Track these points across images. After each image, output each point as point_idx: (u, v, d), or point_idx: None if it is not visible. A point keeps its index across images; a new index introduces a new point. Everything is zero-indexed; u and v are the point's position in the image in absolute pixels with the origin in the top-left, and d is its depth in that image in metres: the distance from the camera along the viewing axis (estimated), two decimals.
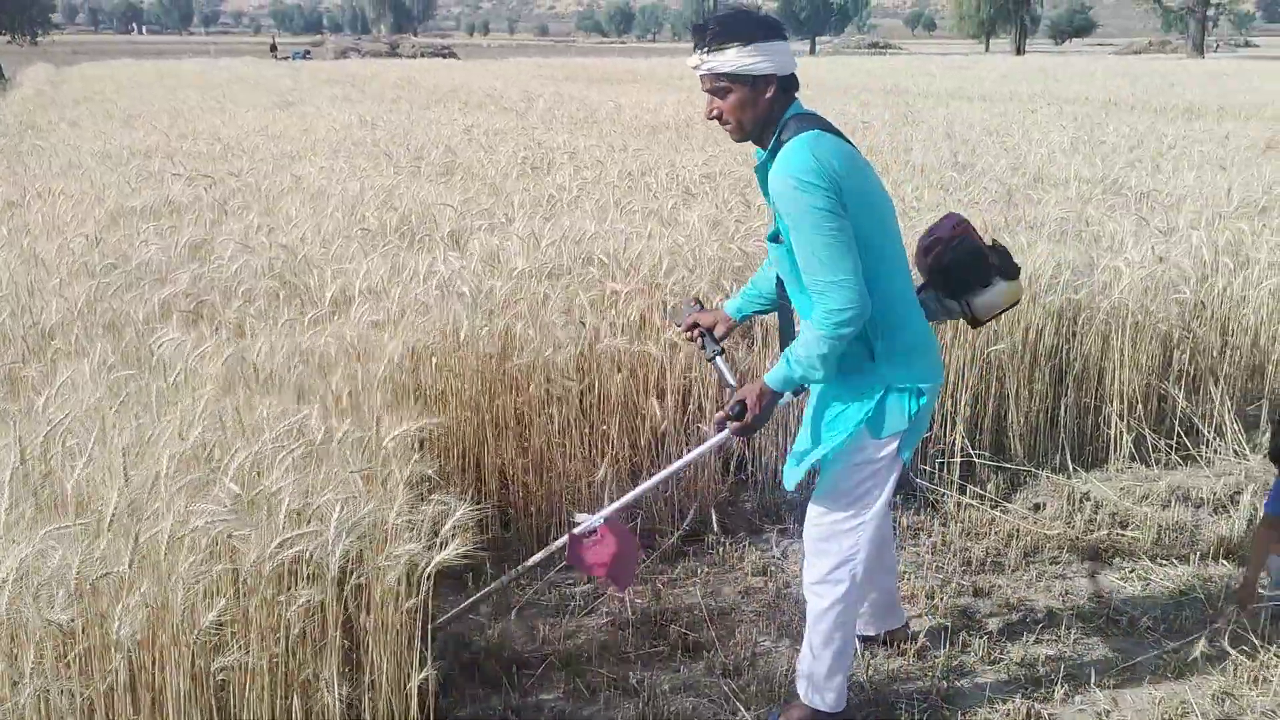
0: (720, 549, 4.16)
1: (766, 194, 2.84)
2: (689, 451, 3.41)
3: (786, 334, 3.13)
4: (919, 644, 3.48)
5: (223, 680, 2.42)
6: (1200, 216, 5.99)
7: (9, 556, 2.06)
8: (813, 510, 3.01)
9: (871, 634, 3.46)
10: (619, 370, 4.18)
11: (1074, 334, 4.95)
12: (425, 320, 4.01)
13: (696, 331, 3.34)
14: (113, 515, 2.18)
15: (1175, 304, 4.91)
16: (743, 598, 3.85)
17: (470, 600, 3.36)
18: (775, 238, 2.87)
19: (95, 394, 3.14)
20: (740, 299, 3.34)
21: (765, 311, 3.36)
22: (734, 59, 2.73)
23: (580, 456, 4.14)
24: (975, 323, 3.21)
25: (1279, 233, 5.75)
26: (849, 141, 2.85)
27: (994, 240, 3.21)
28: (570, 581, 3.93)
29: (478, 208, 6.22)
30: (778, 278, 3.04)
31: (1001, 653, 3.48)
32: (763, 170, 2.85)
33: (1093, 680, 3.31)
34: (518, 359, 4.03)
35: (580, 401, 4.16)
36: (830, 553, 2.95)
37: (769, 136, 2.82)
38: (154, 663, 2.25)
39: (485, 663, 3.44)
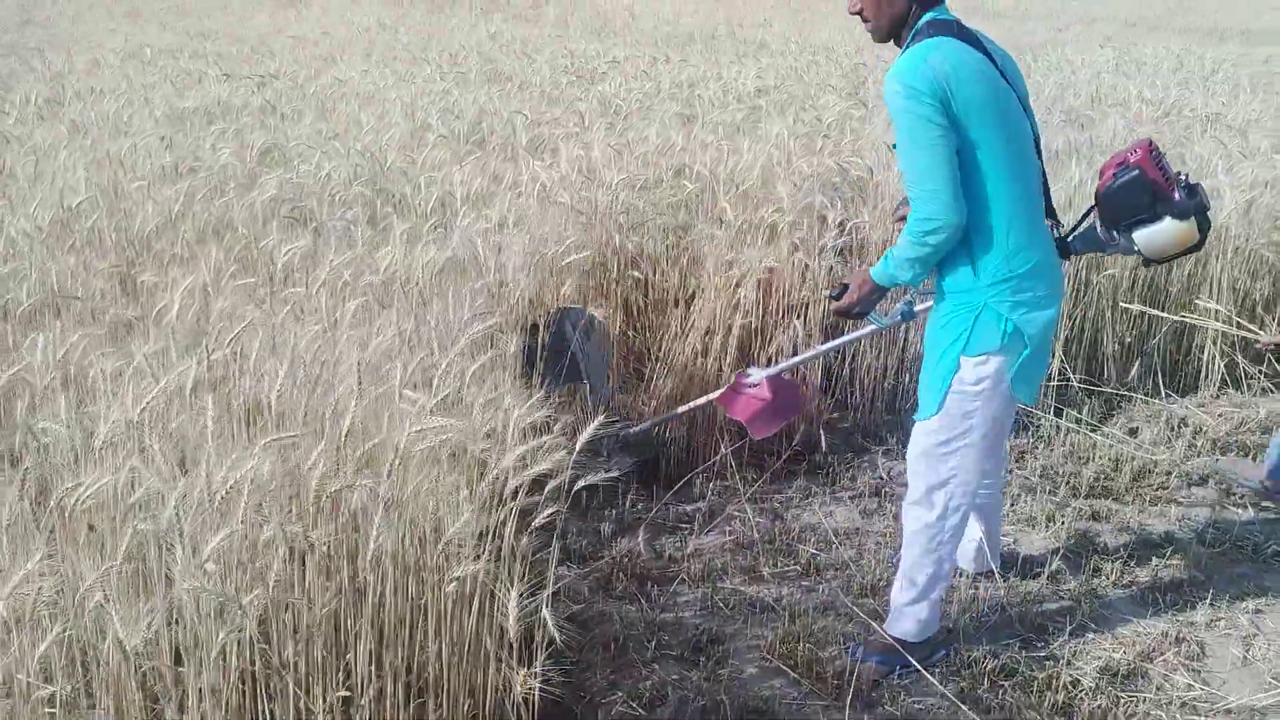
0: (829, 469, 4.12)
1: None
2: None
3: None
4: (1052, 566, 3.47)
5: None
6: None
7: (233, 469, 1.97)
8: (915, 430, 2.96)
9: (971, 570, 3.42)
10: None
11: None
12: (542, 230, 3.89)
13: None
14: (348, 428, 2.09)
15: (1277, 229, 4.84)
16: (863, 518, 3.82)
17: (640, 426, 3.80)
18: (890, 143, 2.91)
19: (225, 301, 3.04)
20: None
21: None
22: None
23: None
24: (1146, 261, 3.08)
25: None
26: (987, 52, 2.74)
27: (1184, 174, 3.04)
28: (685, 502, 3.89)
29: (545, 116, 6.04)
30: None
31: (1133, 577, 3.48)
32: None
33: (1227, 604, 3.32)
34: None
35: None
36: (925, 474, 2.90)
37: (904, 40, 2.77)
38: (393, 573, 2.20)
39: (615, 578, 3.41)
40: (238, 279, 3.30)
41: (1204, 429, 4.49)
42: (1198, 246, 3.00)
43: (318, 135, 5.28)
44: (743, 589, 3.39)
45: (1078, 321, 4.78)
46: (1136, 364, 4.78)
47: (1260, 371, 4.89)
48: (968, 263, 2.76)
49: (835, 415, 4.41)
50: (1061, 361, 4.66)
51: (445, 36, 11.12)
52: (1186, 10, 19.83)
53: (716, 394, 3.72)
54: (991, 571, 3.38)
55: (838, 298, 2.99)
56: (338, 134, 5.41)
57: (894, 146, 2.81)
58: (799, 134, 5.62)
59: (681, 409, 3.83)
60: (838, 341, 3.70)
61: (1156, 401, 4.72)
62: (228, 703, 2.05)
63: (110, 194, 4.17)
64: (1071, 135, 6.01)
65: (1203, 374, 4.90)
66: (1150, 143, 2.96)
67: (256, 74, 7.34)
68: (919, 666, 2.88)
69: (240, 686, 2.11)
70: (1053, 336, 3.02)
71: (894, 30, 2.78)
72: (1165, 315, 4.56)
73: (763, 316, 4.15)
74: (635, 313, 4.40)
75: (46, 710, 1.93)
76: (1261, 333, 4.25)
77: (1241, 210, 4.84)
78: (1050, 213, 2.97)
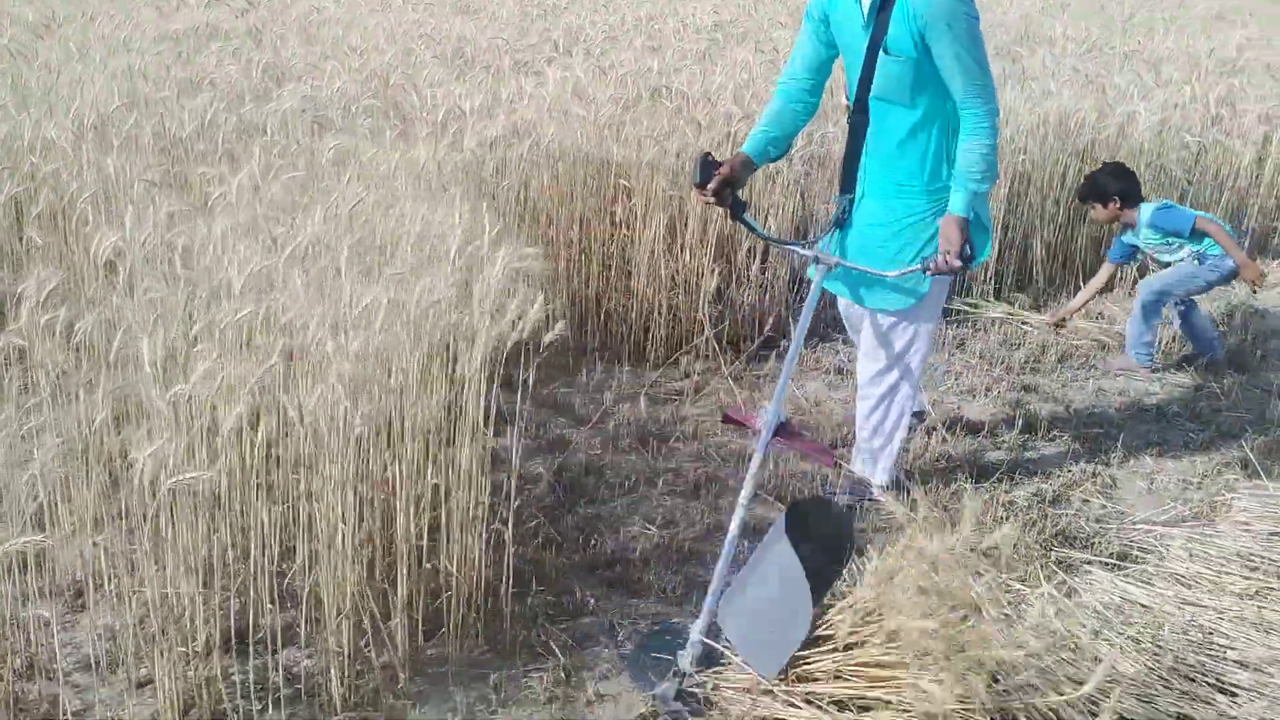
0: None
1: (855, 12, 3.08)
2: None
3: (851, 162, 3.33)
4: (990, 425, 4.07)
5: None
6: (1191, 73, 6.54)
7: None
8: (881, 321, 3.36)
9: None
10: None
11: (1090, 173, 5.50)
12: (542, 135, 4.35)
13: (725, 193, 3.16)
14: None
15: (1184, 147, 5.48)
16: (829, 390, 4.38)
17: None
18: (888, 50, 3.05)
19: (276, 190, 3.45)
20: (759, 142, 3.30)
21: (778, 157, 3.41)
22: None
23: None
24: None
25: (1260, 89, 6.35)
26: None
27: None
28: (673, 380, 4.41)
29: (520, 44, 6.43)
30: (808, 115, 3.34)
31: (1057, 432, 4.09)
32: None
33: (1135, 450, 3.95)
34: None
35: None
36: (893, 345, 3.37)
37: None
38: None
39: (620, 437, 3.93)
40: (283, 174, 3.70)
41: (1117, 320, 5.13)
42: None
43: (315, 57, 5.62)
44: (730, 444, 3.93)
45: (1011, 231, 5.38)
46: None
47: None
48: (944, 159, 3.16)
49: (795, 308, 4.95)
50: (997, 263, 5.27)
51: None
52: None
53: (760, 454, 2.91)
54: (921, 414, 3.96)
55: (965, 260, 3.06)
56: (327, 56, 5.75)
57: (884, 50, 3.05)
58: (761, 60, 6.12)
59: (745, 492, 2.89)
60: (796, 341, 3.23)
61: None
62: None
63: (141, 103, 4.50)
64: (1005, 66, 6.58)
65: (1118, 274, 5.55)
66: None
67: (234, 1, 7.58)
68: (883, 497, 3.46)
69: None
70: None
71: None
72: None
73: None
74: (620, 221, 4.87)
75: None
76: (1034, 316, 5.09)
77: (1154, 131, 5.47)
78: None
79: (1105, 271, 4.89)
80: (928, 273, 3.09)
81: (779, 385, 3.00)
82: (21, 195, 4.01)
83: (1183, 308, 4.71)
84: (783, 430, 2.89)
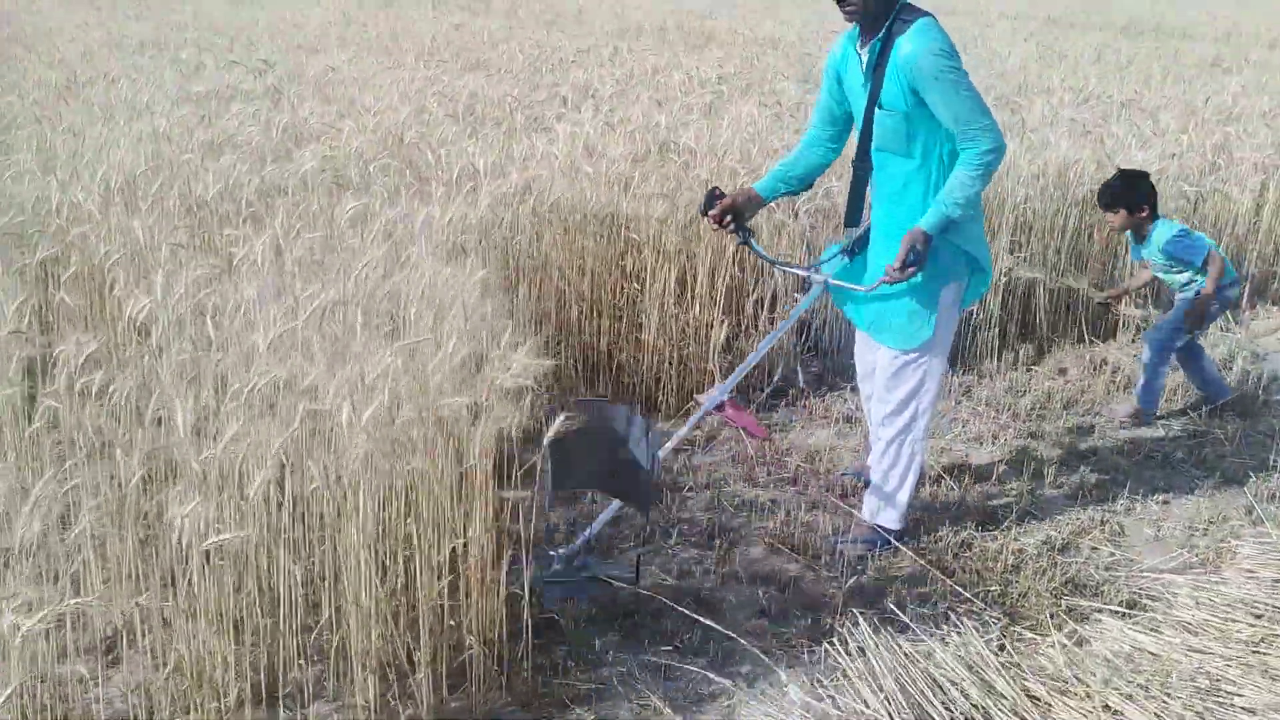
0: (806, 401, 4.76)
1: (857, 75, 3.34)
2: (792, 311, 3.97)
3: (855, 202, 3.59)
4: (998, 472, 4.14)
5: None
6: (1188, 122, 6.68)
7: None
8: (884, 355, 3.51)
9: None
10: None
11: (1092, 222, 5.61)
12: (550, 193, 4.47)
13: (728, 219, 3.54)
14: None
15: (1182, 196, 5.59)
16: (839, 438, 4.46)
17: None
18: (882, 106, 3.29)
19: (300, 250, 3.56)
20: (771, 179, 3.67)
21: (793, 192, 3.77)
22: None
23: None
24: None
25: (1255, 136, 6.48)
26: None
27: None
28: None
29: (529, 99, 6.59)
30: (826, 160, 3.63)
31: (1065, 479, 4.16)
32: (870, 50, 3.28)
33: (1142, 498, 4.02)
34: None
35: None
36: (900, 388, 3.48)
37: (881, 24, 3.26)
38: None
39: None
40: (304, 234, 3.82)
41: (1121, 367, 5.21)
42: None
43: (332, 116, 5.77)
44: (742, 493, 4.00)
45: (1014, 280, 5.48)
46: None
47: None
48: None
49: (805, 358, 5.05)
50: (1002, 312, 5.36)
51: (410, 28, 11.57)
52: (1103, 8, 20.92)
53: (694, 420, 3.52)
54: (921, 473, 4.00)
55: (915, 262, 3.23)
56: (344, 115, 5.91)
57: (878, 106, 3.30)
58: (765, 114, 6.27)
59: (670, 443, 3.56)
60: (767, 342, 3.70)
61: (1081, 346, 5.45)
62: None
63: (165, 165, 4.64)
64: (1004, 117, 6.72)
65: (1120, 322, 5.64)
66: None
67: (252, 61, 7.77)
68: (898, 544, 3.53)
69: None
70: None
71: (879, 13, 3.25)
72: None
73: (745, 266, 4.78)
74: (629, 274, 4.97)
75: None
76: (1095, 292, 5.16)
77: (1154, 181, 5.56)
78: None
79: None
80: (885, 281, 3.30)
81: (739, 367, 3.55)
82: (50, 258, 4.12)
83: (1185, 354, 4.77)
84: (722, 407, 3.47)
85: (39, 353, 3.30)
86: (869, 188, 3.55)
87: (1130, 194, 4.59)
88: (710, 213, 3.54)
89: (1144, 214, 4.59)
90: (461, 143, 5.10)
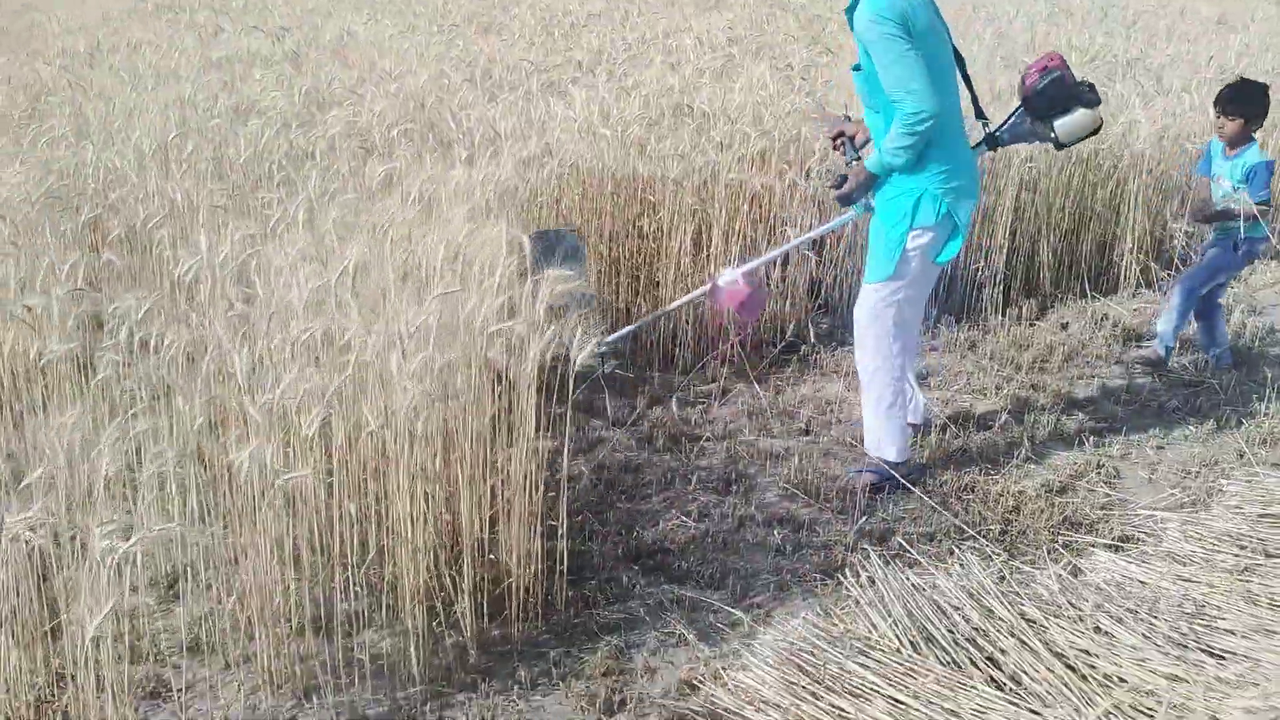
0: (816, 357, 4.95)
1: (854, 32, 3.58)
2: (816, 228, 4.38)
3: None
4: (1000, 421, 4.34)
5: None
6: (1191, 81, 6.79)
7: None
8: (863, 291, 3.77)
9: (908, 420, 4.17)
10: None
11: (1094, 181, 5.77)
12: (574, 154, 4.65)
13: (842, 139, 3.98)
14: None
15: (1183, 154, 5.74)
16: (848, 391, 4.65)
17: (627, 329, 4.43)
18: (857, 68, 3.65)
19: (336, 212, 3.74)
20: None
21: None
22: None
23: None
24: (1059, 145, 3.95)
25: None
26: None
27: (1083, 78, 3.93)
28: (701, 384, 4.69)
29: (545, 63, 6.72)
30: None
31: (1063, 427, 4.36)
32: (849, 12, 3.58)
33: (1137, 443, 4.21)
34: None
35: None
36: (873, 325, 3.72)
37: None
38: None
39: (654, 437, 4.20)
40: (338, 196, 4.00)
41: (1121, 321, 5.39)
42: (1098, 129, 3.95)
43: (353, 80, 5.92)
44: (757, 443, 4.20)
45: (1018, 236, 5.65)
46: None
47: (1169, 274, 5.81)
48: (919, 155, 3.55)
49: (814, 316, 5.23)
50: (1006, 269, 5.53)
51: None
52: None
53: (698, 292, 4.37)
54: (927, 422, 4.23)
55: (838, 186, 3.74)
56: (364, 79, 6.05)
57: (854, 68, 3.63)
58: (776, 78, 6.39)
59: (669, 307, 4.54)
60: (794, 243, 4.45)
61: (1083, 301, 5.63)
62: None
63: (194, 131, 4.81)
64: (1012, 78, 6.83)
65: (1121, 278, 5.81)
66: (1060, 54, 3.84)
67: (269, 26, 7.90)
68: (903, 480, 3.74)
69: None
70: (970, 216, 3.78)
71: None
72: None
73: (758, 226, 4.95)
74: (646, 234, 5.14)
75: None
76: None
77: (1155, 139, 5.73)
78: (980, 114, 3.93)
79: (1203, 185, 4.96)
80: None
81: (756, 260, 4.24)
82: (91, 221, 4.30)
83: (1205, 307, 4.87)
84: (719, 290, 4.13)
85: (93, 309, 3.49)
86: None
87: (1255, 106, 4.62)
88: (830, 132, 4.05)
89: (1252, 128, 4.66)
90: (481, 107, 5.25)
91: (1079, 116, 3.86)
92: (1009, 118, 3.98)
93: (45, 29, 7.99)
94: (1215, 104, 4.74)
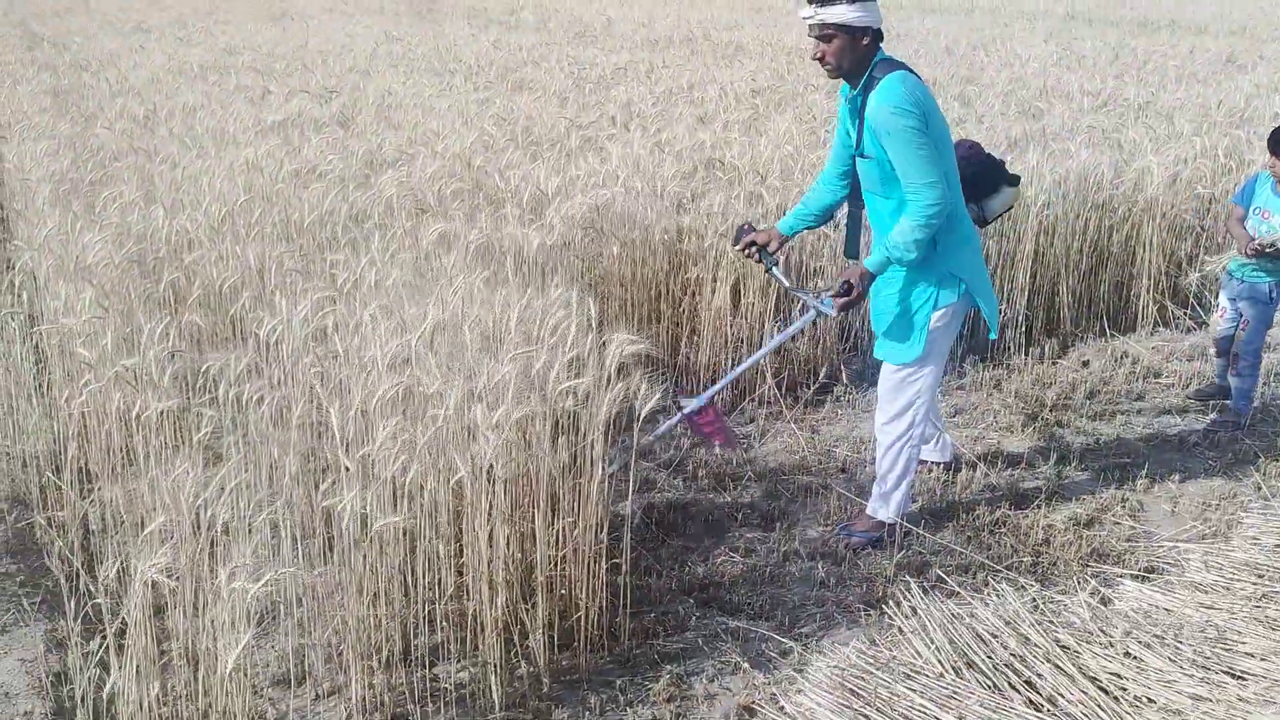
0: (849, 396, 5.20)
1: (848, 120, 3.74)
2: (785, 329, 4.37)
3: (853, 237, 4.07)
4: (1028, 458, 4.57)
5: None
6: (1201, 125, 7.05)
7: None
8: (885, 370, 3.94)
9: (936, 459, 4.45)
10: None
11: (1109, 225, 6.02)
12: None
13: (754, 249, 4.05)
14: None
15: (1195, 199, 5.99)
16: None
17: (668, 424, 4.40)
18: (862, 154, 3.69)
19: (399, 272, 4.02)
20: (791, 218, 4.09)
21: (812, 227, 4.16)
22: (841, 13, 3.51)
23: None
24: (983, 222, 4.19)
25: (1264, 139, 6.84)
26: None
27: (1001, 157, 4.21)
28: (740, 425, 4.94)
29: (580, 120, 7.05)
30: (836, 197, 3.99)
31: (1088, 463, 4.58)
32: (852, 103, 3.69)
33: (1160, 478, 4.43)
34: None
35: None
36: (897, 399, 3.88)
37: (860, 76, 3.60)
38: None
39: (698, 478, 4.45)
40: (397, 255, 4.29)
41: (1140, 359, 5.62)
42: (1014, 204, 4.28)
43: (402, 142, 6.24)
44: (798, 480, 4.45)
45: (1038, 279, 5.90)
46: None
47: (1184, 313, 6.04)
48: (931, 240, 3.67)
49: (851, 354, 5.48)
50: (1027, 310, 5.78)
51: (451, 47, 12.06)
52: (1119, 4, 21.18)
53: (672, 422, 4.21)
54: (956, 460, 4.46)
55: (844, 294, 3.69)
56: (413, 140, 6.38)
57: (859, 154, 3.69)
58: (802, 130, 6.70)
59: (671, 422, 4.25)
60: (754, 358, 4.31)
61: (1103, 340, 5.86)
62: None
63: (260, 195, 5.12)
64: (1026, 125, 7.13)
65: (1139, 317, 6.04)
66: (974, 142, 4.16)
67: (314, 88, 8.27)
68: (905, 526, 3.95)
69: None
70: (988, 282, 3.96)
71: (854, 70, 3.59)
72: None
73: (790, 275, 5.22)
74: (686, 286, 5.39)
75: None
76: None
77: (1167, 183, 5.98)
78: None
79: (1238, 214, 4.85)
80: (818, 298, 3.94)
81: (722, 379, 4.36)
82: (170, 283, 4.60)
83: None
84: (693, 417, 4.16)
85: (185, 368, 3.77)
86: (862, 224, 4.01)
87: None
88: (737, 246, 4.09)
89: None
90: (525, 166, 5.56)
91: (1005, 196, 4.18)
92: None
93: (96, 90, 8.38)
94: (1275, 151, 4.66)
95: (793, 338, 4.88)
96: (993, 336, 3.91)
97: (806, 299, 4.05)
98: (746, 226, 4.11)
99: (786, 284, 4.22)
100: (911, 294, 3.77)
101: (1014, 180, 4.19)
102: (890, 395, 3.92)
